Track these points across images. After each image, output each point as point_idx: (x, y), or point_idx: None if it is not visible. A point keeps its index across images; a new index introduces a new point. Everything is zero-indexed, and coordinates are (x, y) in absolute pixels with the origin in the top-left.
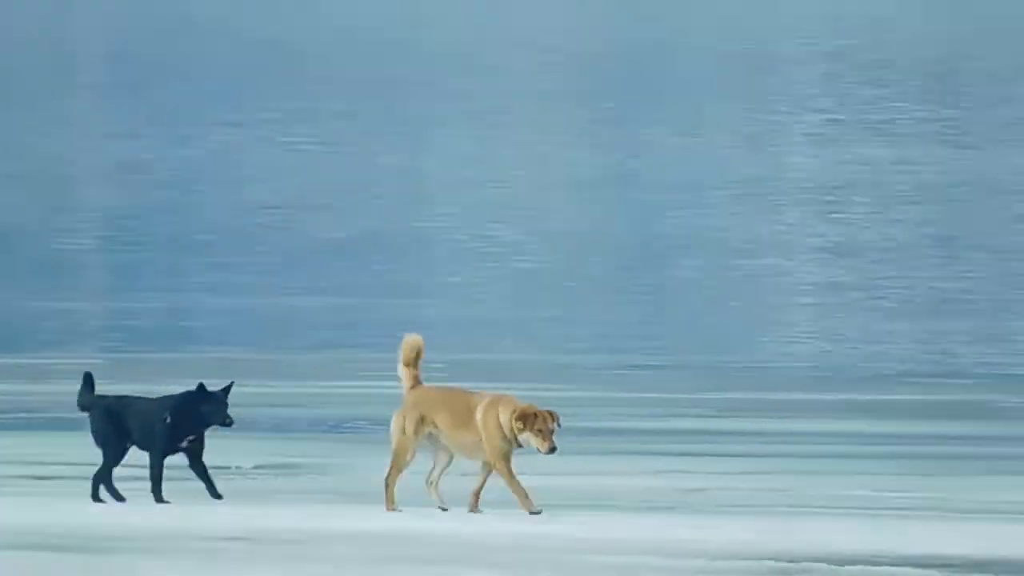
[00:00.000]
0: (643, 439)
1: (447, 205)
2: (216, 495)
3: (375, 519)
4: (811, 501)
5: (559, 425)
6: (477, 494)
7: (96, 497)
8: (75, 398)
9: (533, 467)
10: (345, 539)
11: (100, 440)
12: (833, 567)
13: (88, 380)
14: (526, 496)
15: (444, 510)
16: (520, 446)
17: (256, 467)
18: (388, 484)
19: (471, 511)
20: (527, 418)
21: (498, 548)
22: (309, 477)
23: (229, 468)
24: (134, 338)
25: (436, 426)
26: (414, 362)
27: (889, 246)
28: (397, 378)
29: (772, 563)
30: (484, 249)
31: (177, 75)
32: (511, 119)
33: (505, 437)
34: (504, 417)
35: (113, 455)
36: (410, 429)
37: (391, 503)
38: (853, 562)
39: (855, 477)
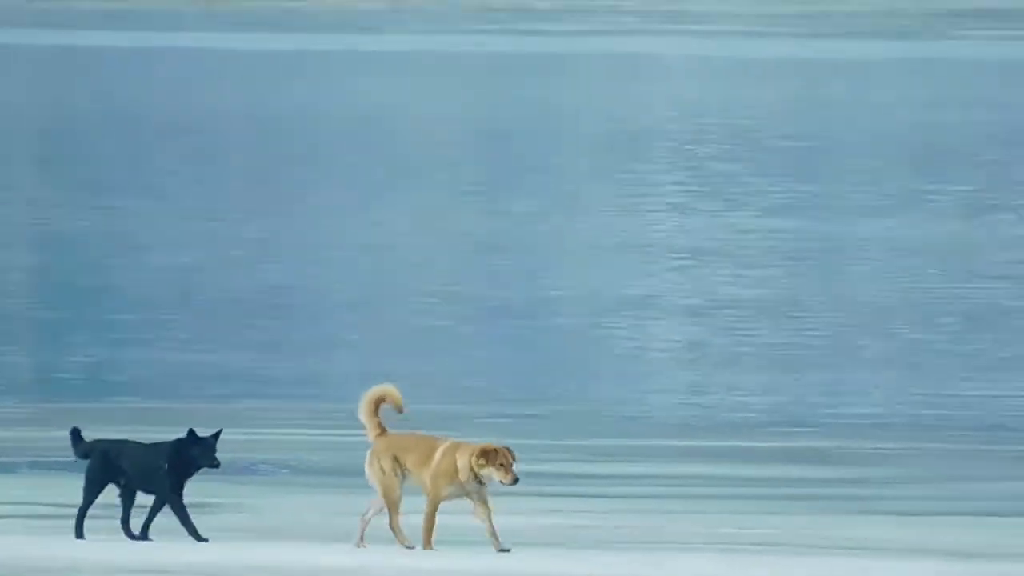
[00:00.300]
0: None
1: (341, 265)
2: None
3: (289, 553)
4: (679, 537)
5: (516, 459)
6: (492, 534)
7: (80, 534)
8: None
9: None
10: (261, 571)
11: (91, 479)
12: None
13: (76, 433)
14: (430, 535)
15: (410, 547)
16: (482, 483)
17: None
18: (394, 528)
19: (498, 550)
20: (488, 455)
21: None
22: (225, 515)
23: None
24: (59, 389)
25: (406, 467)
26: (375, 412)
27: (747, 305)
28: (361, 426)
29: None
30: (383, 306)
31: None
32: (406, 184)
33: (453, 480)
34: (463, 460)
35: (94, 495)
36: (388, 469)
37: (405, 541)
38: None
39: (719, 516)
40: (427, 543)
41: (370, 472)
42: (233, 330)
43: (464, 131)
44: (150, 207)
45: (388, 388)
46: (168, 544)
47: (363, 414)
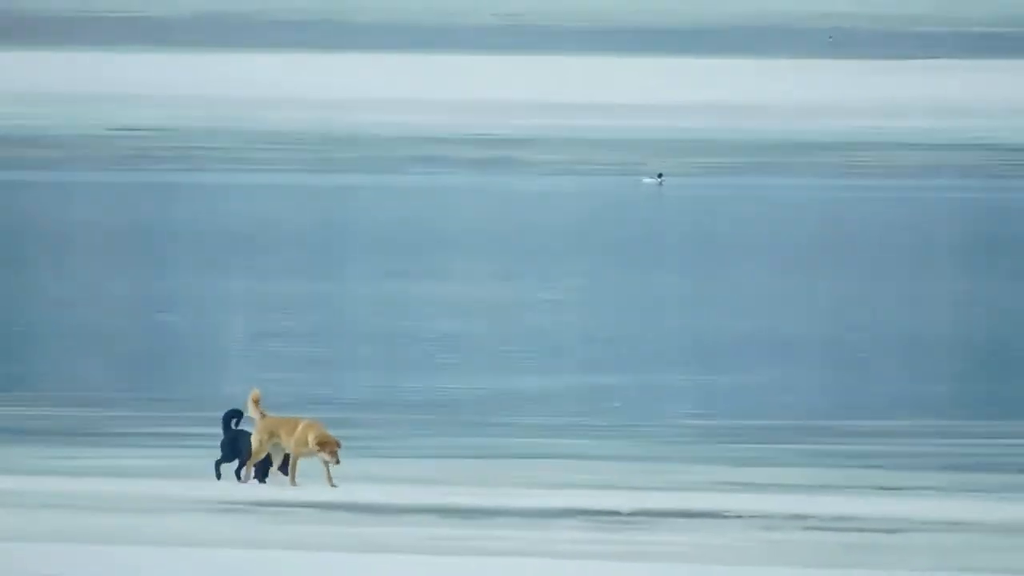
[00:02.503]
0: None
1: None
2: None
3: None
4: None
5: (340, 446)
6: (328, 477)
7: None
8: None
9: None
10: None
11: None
12: None
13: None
14: (295, 475)
15: (295, 485)
16: (313, 455)
17: None
18: (248, 468)
19: (331, 486)
20: (324, 443)
21: None
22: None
23: None
24: None
25: (279, 437)
26: (256, 406)
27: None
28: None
29: None
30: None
31: None
32: None
33: (306, 446)
34: (312, 435)
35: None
36: (265, 440)
37: (251, 474)
38: None
39: None
40: (292, 481)
41: (253, 439)
42: None
43: None
44: None
45: (257, 391)
46: None
47: (249, 408)
